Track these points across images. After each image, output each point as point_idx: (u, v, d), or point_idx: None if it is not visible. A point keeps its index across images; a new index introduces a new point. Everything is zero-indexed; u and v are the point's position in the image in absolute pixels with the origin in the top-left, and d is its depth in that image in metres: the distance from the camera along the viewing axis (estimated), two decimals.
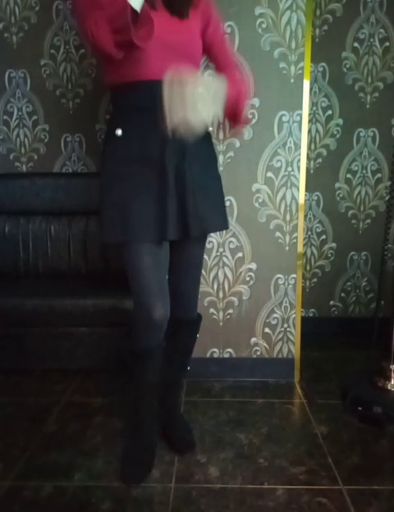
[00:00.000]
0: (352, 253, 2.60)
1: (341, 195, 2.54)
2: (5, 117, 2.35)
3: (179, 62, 1.28)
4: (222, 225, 1.48)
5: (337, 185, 2.53)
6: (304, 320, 2.11)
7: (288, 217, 2.00)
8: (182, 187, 1.33)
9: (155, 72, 1.26)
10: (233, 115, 1.40)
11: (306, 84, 1.89)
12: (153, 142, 1.30)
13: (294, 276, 2.03)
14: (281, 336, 2.09)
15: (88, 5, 1.16)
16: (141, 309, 1.37)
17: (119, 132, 1.33)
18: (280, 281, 2.04)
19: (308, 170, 2.43)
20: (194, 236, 1.37)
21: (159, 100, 1.17)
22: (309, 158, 2.46)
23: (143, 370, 1.46)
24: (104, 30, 1.12)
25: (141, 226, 1.31)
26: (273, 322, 2.08)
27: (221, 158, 1.95)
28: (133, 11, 1.09)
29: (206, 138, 1.41)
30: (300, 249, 2.02)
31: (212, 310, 2.06)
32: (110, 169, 1.35)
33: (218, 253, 2.03)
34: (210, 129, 1.45)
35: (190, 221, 1.33)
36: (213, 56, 1.46)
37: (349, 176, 2.52)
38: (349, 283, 2.62)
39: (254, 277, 2.04)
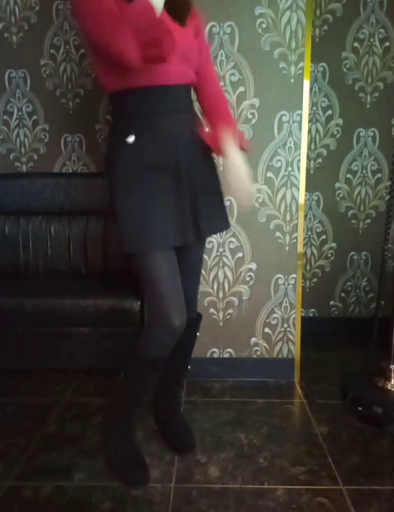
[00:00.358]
0: (352, 253, 2.60)
1: (341, 195, 2.54)
2: (5, 117, 2.35)
3: (182, 66, 1.31)
4: (226, 225, 1.50)
5: (337, 185, 2.53)
6: (304, 320, 2.11)
7: (288, 217, 2.00)
8: (193, 190, 1.34)
9: (170, 78, 1.28)
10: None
11: (306, 84, 1.89)
12: (167, 147, 1.30)
13: (294, 276, 2.03)
14: (281, 335, 2.09)
15: (107, 17, 1.13)
16: (160, 317, 1.34)
17: (131, 139, 1.29)
18: (280, 281, 2.04)
19: (308, 170, 2.43)
20: (205, 236, 1.43)
21: (172, 105, 1.26)
22: (309, 158, 2.46)
23: (148, 376, 1.42)
24: (132, 44, 1.10)
25: (162, 232, 1.30)
26: (273, 322, 2.07)
27: (221, 158, 1.94)
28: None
29: (204, 144, 1.40)
30: (300, 249, 2.02)
31: (212, 310, 2.06)
32: (122, 176, 1.31)
33: (218, 253, 2.03)
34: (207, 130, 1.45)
35: (201, 223, 1.35)
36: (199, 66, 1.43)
37: (349, 176, 2.52)
38: (349, 283, 2.62)
39: (254, 277, 2.04)
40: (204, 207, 1.36)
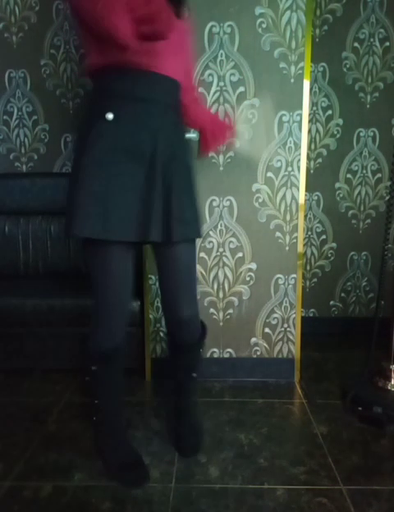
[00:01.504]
0: (352, 253, 2.60)
1: (341, 195, 2.54)
2: (5, 117, 2.35)
3: (177, 59, 1.29)
4: (200, 231, 1.39)
5: (337, 185, 2.53)
6: (304, 320, 2.11)
7: (288, 217, 2.00)
8: (169, 188, 1.27)
9: (164, 66, 1.25)
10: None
11: (306, 84, 1.89)
12: (145, 135, 1.24)
13: (294, 276, 2.03)
14: (281, 335, 2.09)
15: None
16: (105, 310, 1.33)
17: (110, 116, 1.21)
18: (280, 281, 2.04)
19: (308, 170, 2.43)
20: (177, 241, 1.31)
21: (159, 95, 1.21)
22: (309, 158, 2.46)
23: (106, 372, 1.39)
24: (126, 20, 1.02)
25: (122, 224, 1.21)
26: (273, 322, 2.07)
27: (221, 158, 1.95)
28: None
29: (186, 145, 1.41)
30: (300, 249, 2.02)
31: (212, 310, 2.06)
32: (93, 153, 1.22)
33: (218, 253, 2.03)
34: (192, 135, 1.46)
35: (173, 225, 1.26)
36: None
37: (349, 175, 2.52)
38: (349, 283, 2.62)
39: (254, 277, 2.04)
40: (179, 209, 1.28)
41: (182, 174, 1.33)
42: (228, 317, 2.07)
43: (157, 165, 1.25)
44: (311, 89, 2.37)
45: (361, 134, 2.47)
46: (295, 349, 2.09)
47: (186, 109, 1.43)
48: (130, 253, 1.32)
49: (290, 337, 2.08)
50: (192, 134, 1.49)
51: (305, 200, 2.45)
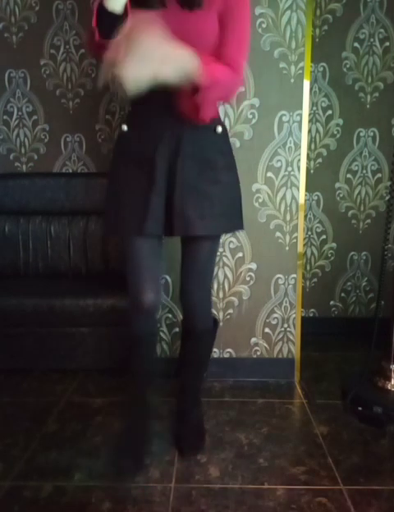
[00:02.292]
0: (352, 253, 2.59)
1: (341, 195, 2.54)
2: (5, 117, 2.35)
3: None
4: (211, 229, 1.41)
5: (337, 185, 2.52)
6: (304, 320, 2.11)
7: (288, 217, 2.00)
8: (172, 186, 1.34)
9: None
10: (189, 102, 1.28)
11: (306, 84, 1.89)
12: (147, 138, 1.33)
13: (294, 276, 2.03)
14: (281, 336, 2.09)
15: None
16: (132, 296, 1.46)
17: (124, 127, 1.39)
18: (280, 281, 2.04)
19: (308, 170, 2.43)
20: (183, 236, 1.43)
21: (165, 96, 1.23)
22: (309, 158, 2.46)
23: (134, 356, 1.53)
24: (92, 41, 1.22)
25: (127, 220, 1.37)
26: (273, 322, 2.07)
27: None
28: (109, 13, 1.15)
29: (209, 137, 1.38)
30: (300, 249, 2.02)
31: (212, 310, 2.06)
32: (113, 164, 1.44)
33: (218, 253, 2.03)
34: (219, 129, 1.39)
35: (174, 221, 1.34)
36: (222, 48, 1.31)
37: (349, 176, 2.52)
38: (349, 283, 2.62)
39: (254, 277, 2.04)
40: (181, 206, 1.34)
41: (193, 172, 1.35)
42: (228, 317, 2.07)
43: (157, 164, 1.32)
44: (311, 89, 2.36)
45: (361, 134, 2.47)
46: (295, 349, 2.09)
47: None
48: (153, 244, 1.43)
49: (291, 337, 2.08)
50: (218, 128, 1.41)
51: (305, 200, 2.45)
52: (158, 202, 1.33)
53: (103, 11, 1.17)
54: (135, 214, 1.34)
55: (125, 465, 1.47)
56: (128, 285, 1.47)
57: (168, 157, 1.33)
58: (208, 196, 1.38)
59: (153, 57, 1.07)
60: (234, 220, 1.48)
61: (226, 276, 2.04)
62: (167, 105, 1.30)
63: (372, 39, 2.38)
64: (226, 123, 1.92)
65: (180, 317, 2.07)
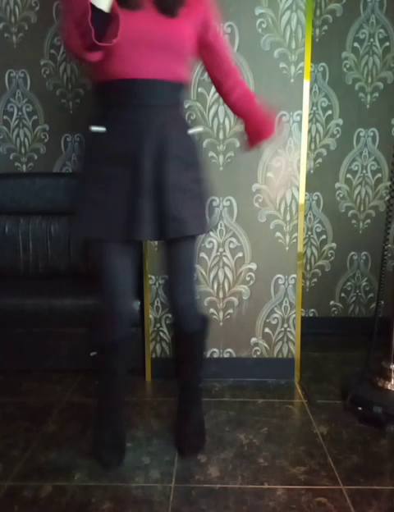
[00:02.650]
0: (352, 253, 2.60)
1: (341, 195, 2.54)
2: (5, 117, 2.35)
3: (162, 59, 1.28)
4: (201, 228, 1.43)
5: (337, 185, 2.52)
6: (304, 320, 2.11)
7: (288, 217, 2.00)
8: (160, 187, 1.31)
9: (135, 71, 1.27)
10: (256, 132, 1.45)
11: (306, 84, 1.89)
12: (130, 140, 1.30)
13: (294, 276, 2.03)
14: (281, 336, 2.09)
15: (66, 12, 1.17)
16: (110, 301, 1.44)
17: (101, 129, 1.32)
18: (280, 281, 2.04)
19: (308, 170, 2.43)
20: (172, 238, 1.37)
21: (143, 99, 1.26)
22: (309, 158, 2.46)
23: (107, 361, 1.51)
24: (74, 36, 1.12)
25: (111, 225, 1.32)
26: (273, 322, 2.07)
27: (221, 158, 1.95)
28: (99, 11, 1.09)
29: (188, 138, 1.41)
30: (300, 249, 2.02)
31: (212, 310, 2.06)
32: (87, 164, 1.38)
33: (218, 253, 2.03)
34: (194, 130, 1.43)
35: (167, 223, 1.32)
36: (212, 59, 1.44)
37: (349, 176, 2.52)
38: (349, 283, 2.62)
39: (254, 277, 2.04)
40: (173, 207, 1.32)
41: (178, 172, 1.34)
42: (228, 317, 2.07)
43: (143, 166, 1.29)
44: (311, 89, 2.36)
45: (361, 134, 2.47)
46: (295, 349, 2.09)
47: (227, 97, 1.49)
48: (128, 251, 1.41)
49: (290, 337, 2.08)
50: (198, 129, 1.46)
51: (305, 200, 2.45)
52: (149, 205, 1.30)
53: (94, 10, 1.11)
54: (121, 217, 1.30)
55: (108, 458, 1.52)
56: (104, 289, 1.43)
57: (154, 157, 1.30)
58: (194, 194, 1.40)
59: None
60: (208, 217, 1.48)
61: (226, 276, 2.04)
62: (152, 104, 1.31)
63: (372, 39, 2.39)
64: (226, 123, 1.92)
65: None
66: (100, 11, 1.09)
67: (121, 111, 1.31)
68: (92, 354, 1.51)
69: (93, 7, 1.07)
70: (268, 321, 2.07)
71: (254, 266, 2.03)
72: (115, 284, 1.42)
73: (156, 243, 1.94)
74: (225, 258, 2.03)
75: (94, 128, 1.33)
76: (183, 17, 1.30)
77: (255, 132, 1.44)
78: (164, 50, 1.28)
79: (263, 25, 1.86)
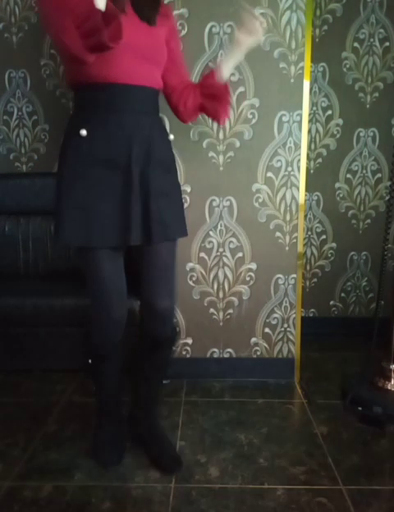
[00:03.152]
0: (352, 253, 2.60)
1: (341, 195, 2.54)
2: (5, 117, 2.35)
3: (147, 67, 1.30)
4: (182, 232, 1.44)
5: (337, 185, 2.53)
6: (304, 320, 2.11)
7: (288, 217, 2.00)
8: (146, 192, 1.31)
9: (125, 75, 1.27)
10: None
11: (306, 84, 1.89)
12: (119, 145, 1.29)
13: (294, 276, 2.03)
14: (281, 336, 2.09)
15: (59, 10, 1.10)
16: (100, 310, 1.41)
17: (83, 132, 1.28)
18: (280, 281, 2.04)
19: (308, 170, 2.43)
20: (159, 241, 1.36)
21: (128, 105, 1.26)
22: (309, 158, 2.46)
23: (103, 368, 1.50)
24: (73, 35, 1.08)
25: (104, 231, 1.29)
26: (273, 322, 2.07)
27: (221, 158, 1.95)
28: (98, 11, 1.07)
29: (167, 143, 1.42)
30: (300, 249, 2.02)
31: (212, 310, 2.06)
32: (72, 168, 1.31)
33: (218, 253, 2.03)
34: (171, 137, 1.44)
35: (153, 227, 1.31)
36: (171, 68, 1.44)
37: (349, 176, 2.52)
38: (349, 283, 2.62)
39: (254, 277, 2.04)
40: (158, 211, 1.32)
41: (161, 177, 1.35)
42: (228, 317, 2.07)
43: (132, 172, 1.29)
44: (311, 89, 2.37)
45: (361, 134, 2.47)
46: (295, 349, 2.09)
47: (182, 96, 1.46)
48: (118, 255, 1.40)
49: (290, 337, 2.08)
50: (171, 136, 1.47)
51: (305, 200, 2.45)
52: (138, 209, 1.30)
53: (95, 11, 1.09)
54: (115, 225, 1.29)
55: (107, 458, 1.52)
56: (98, 297, 1.41)
57: (141, 163, 1.31)
58: (175, 198, 1.42)
59: None
60: (185, 222, 1.47)
61: (226, 276, 2.04)
62: (139, 110, 1.32)
63: (372, 39, 2.39)
64: (226, 123, 1.92)
65: (180, 316, 2.07)
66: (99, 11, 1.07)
67: (108, 115, 1.29)
68: (90, 361, 1.50)
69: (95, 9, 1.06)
70: (267, 321, 2.07)
71: (254, 266, 2.03)
72: (111, 290, 1.39)
73: None
74: (225, 258, 2.03)
75: (83, 132, 1.29)
76: (159, 25, 1.33)
77: (214, 111, 1.45)
78: (149, 57, 1.30)
79: (263, 25, 1.85)
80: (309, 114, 2.39)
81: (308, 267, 2.61)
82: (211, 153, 1.94)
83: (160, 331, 1.50)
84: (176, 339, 1.62)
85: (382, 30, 2.38)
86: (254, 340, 2.09)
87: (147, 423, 1.60)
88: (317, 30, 2.36)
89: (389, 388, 1.83)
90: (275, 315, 2.07)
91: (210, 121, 1.92)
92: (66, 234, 1.31)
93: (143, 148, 1.31)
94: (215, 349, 2.09)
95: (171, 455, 1.53)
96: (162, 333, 1.50)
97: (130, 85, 1.28)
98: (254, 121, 1.92)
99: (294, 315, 2.06)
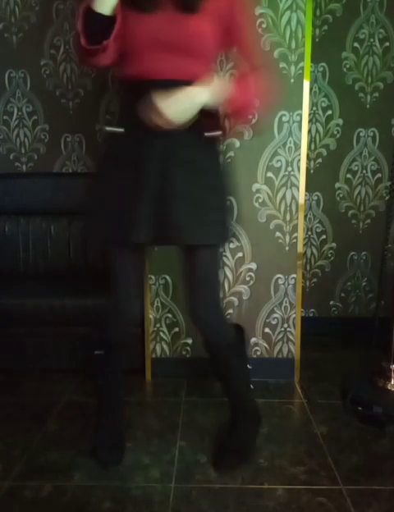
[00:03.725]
0: (352, 253, 2.59)
1: (341, 195, 2.54)
2: (5, 117, 2.35)
3: (175, 59, 1.25)
4: (206, 237, 1.34)
5: (337, 185, 2.52)
6: (304, 320, 2.11)
7: (288, 217, 2.00)
8: (164, 193, 1.27)
9: (149, 70, 1.26)
10: (237, 115, 1.46)
11: (306, 84, 1.89)
12: (136, 143, 1.28)
13: (294, 276, 2.03)
14: (281, 336, 2.09)
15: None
16: (113, 302, 1.50)
17: (110, 128, 1.35)
18: (280, 281, 2.04)
19: (308, 170, 2.43)
20: (176, 245, 1.39)
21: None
22: (309, 158, 2.46)
23: (107, 361, 1.53)
24: (79, 47, 1.22)
25: (112, 226, 1.32)
26: (273, 322, 2.07)
27: (221, 158, 1.94)
28: (98, 15, 1.14)
29: (204, 141, 1.34)
30: (300, 249, 2.02)
31: None
32: (101, 167, 1.41)
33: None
34: (216, 133, 1.37)
35: (166, 229, 1.27)
36: (240, 51, 1.42)
37: (349, 176, 2.52)
38: (349, 283, 2.62)
39: (254, 277, 2.04)
40: (175, 213, 1.27)
41: (186, 177, 1.29)
42: (228, 317, 2.07)
43: (146, 170, 1.27)
44: (311, 89, 2.36)
45: (361, 134, 2.47)
46: (295, 349, 2.09)
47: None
48: (132, 253, 1.42)
49: (290, 337, 2.08)
50: (216, 132, 1.39)
51: (305, 200, 2.45)
52: (147, 210, 1.26)
53: (91, 15, 1.14)
54: (121, 220, 1.29)
55: (107, 458, 1.52)
56: (111, 289, 1.47)
57: (159, 161, 1.27)
58: (205, 202, 1.33)
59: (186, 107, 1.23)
60: (228, 226, 1.42)
61: (226, 276, 2.04)
62: None
63: (372, 39, 2.38)
64: (226, 123, 1.92)
65: (180, 316, 2.07)
66: (99, 14, 1.13)
67: (132, 112, 1.26)
68: (97, 352, 1.52)
69: (91, 12, 1.13)
70: (267, 321, 2.07)
71: (254, 266, 2.03)
72: (118, 285, 1.46)
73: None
74: (225, 258, 2.03)
75: (108, 128, 1.35)
76: (204, 13, 1.24)
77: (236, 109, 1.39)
78: (179, 50, 1.24)
79: (263, 25, 1.85)
80: (309, 114, 2.38)
81: (308, 267, 2.61)
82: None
83: (210, 338, 1.48)
84: (231, 346, 1.50)
85: (382, 30, 2.38)
86: (254, 340, 2.09)
87: (230, 421, 1.61)
88: (317, 30, 2.36)
89: (389, 388, 1.83)
90: (275, 315, 2.07)
91: None
92: (90, 230, 1.49)
93: (166, 146, 1.26)
94: None
95: (224, 456, 1.53)
96: (213, 340, 1.48)
97: (154, 80, 1.25)
98: (254, 121, 1.92)
99: (294, 315, 2.06)
